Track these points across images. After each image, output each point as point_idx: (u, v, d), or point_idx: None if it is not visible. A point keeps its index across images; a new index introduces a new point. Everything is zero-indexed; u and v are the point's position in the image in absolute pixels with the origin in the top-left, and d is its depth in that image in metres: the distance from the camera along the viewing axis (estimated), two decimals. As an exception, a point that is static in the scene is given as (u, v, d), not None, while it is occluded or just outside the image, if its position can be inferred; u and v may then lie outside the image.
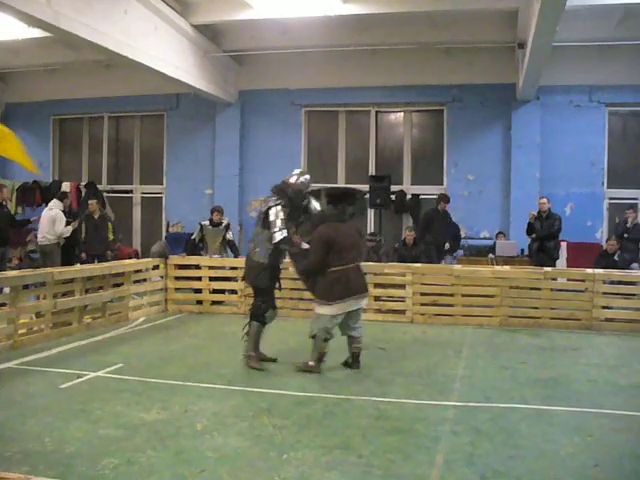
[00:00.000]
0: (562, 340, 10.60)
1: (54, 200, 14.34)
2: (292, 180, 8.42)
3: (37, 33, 13.64)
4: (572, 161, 16.12)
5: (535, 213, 13.91)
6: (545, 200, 13.87)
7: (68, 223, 13.99)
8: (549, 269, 12.09)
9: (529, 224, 13.95)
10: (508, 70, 16.00)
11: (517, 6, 13.36)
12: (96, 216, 14.19)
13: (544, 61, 13.13)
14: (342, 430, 5.99)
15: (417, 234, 14.58)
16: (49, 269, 11.05)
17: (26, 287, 10.16)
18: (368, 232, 16.39)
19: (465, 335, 10.94)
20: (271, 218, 8.20)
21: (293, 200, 8.35)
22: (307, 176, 8.55)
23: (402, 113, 17.83)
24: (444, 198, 14.79)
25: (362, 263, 8.68)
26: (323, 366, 8.32)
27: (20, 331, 9.70)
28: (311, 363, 8.31)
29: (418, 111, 17.80)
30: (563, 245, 14.74)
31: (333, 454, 5.40)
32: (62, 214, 13.96)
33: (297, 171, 8.65)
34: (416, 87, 16.95)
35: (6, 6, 10.13)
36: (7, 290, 9.90)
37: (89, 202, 14.61)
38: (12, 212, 16.15)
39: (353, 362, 8.50)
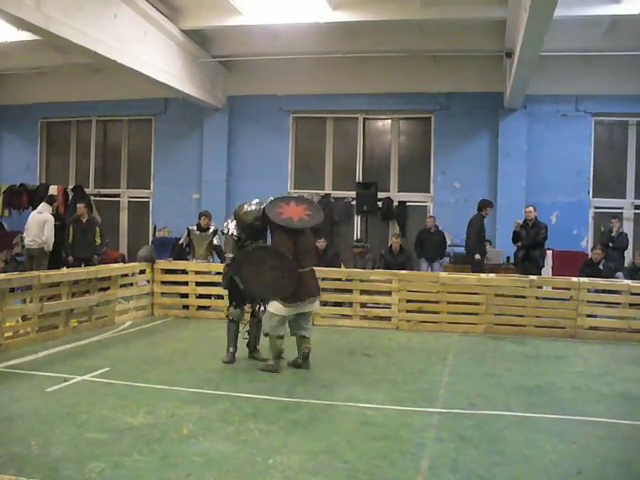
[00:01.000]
0: (547, 348, 10.65)
1: (43, 203, 14.32)
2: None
3: (26, 36, 13.63)
4: (558, 170, 16.22)
5: (520, 221, 13.97)
6: (531, 209, 13.94)
7: (56, 227, 13.97)
8: (534, 277, 12.15)
9: (515, 232, 14.02)
10: (496, 79, 16.10)
11: (505, 16, 13.43)
12: (84, 220, 14.15)
13: (532, 70, 13.21)
14: (328, 435, 6.02)
15: (472, 244, 14.09)
16: (35, 272, 11.04)
17: (12, 290, 10.14)
18: (354, 239, 16.42)
19: (450, 342, 10.98)
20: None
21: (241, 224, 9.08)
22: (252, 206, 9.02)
23: (390, 120, 17.89)
24: (489, 204, 14.42)
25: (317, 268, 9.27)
26: (307, 370, 8.43)
27: (6, 334, 9.68)
28: (270, 362, 8.71)
29: (406, 119, 17.86)
30: (549, 253, 14.81)
31: (319, 459, 5.42)
32: (52, 218, 13.95)
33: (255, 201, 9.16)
34: (404, 95, 17.00)
35: (-5, 9, 10.14)
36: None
37: (77, 206, 14.55)
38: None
39: (303, 361, 8.75)
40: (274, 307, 8.48)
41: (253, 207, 8.97)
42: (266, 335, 8.68)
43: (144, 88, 16.70)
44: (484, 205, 14.15)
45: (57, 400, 7.06)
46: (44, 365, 8.72)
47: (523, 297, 11.83)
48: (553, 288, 12.17)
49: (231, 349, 9.21)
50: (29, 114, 19.69)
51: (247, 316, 9.39)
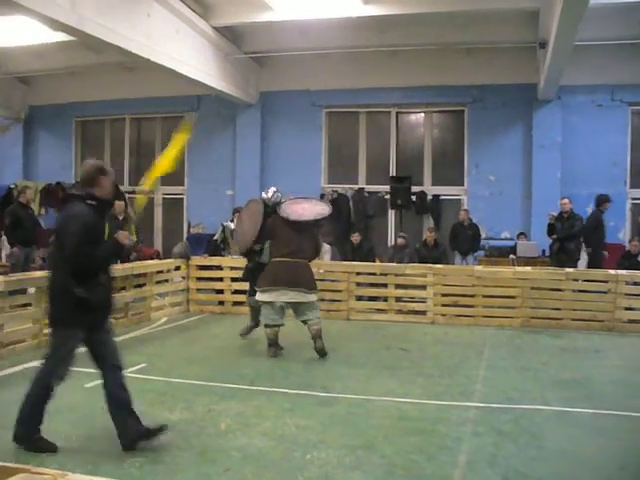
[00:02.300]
0: (584, 341, 10.57)
1: (79, 201, 14.43)
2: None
3: (60, 37, 13.76)
4: (594, 161, 15.99)
5: (555, 213, 13.85)
6: (567, 201, 13.80)
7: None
8: (571, 270, 12.05)
9: (549, 225, 13.90)
10: (529, 70, 15.92)
11: (538, 5, 13.30)
12: (120, 217, 14.27)
13: (566, 60, 13.06)
14: (365, 430, 6.02)
15: (589, 241, 13.82)
16: (73, 270, 11.13)
17: (50, 288, 10.24)
18: (398, 232, 16.27)
19: (486, 336, 10.93)
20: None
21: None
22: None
23: (423, 114, 17.81)
24: (607, 199, 13.81)
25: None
26: (304, 358, 9.05)
27: (45, 331, 9.78)
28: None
29: (439, 112, 17.76)
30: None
31: (356, 454, 5.43)
32: (88, 215, 14.05)
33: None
34: (436, 88, 16.90)
35: (31, 11, 10.22)
36: (32, 290, 10.02)
37: (116, 203, 14.61)
38: (36, 213, 16.30)
39: (315, 342, 9.05)
40: (257, 296, 9.33)
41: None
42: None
43: (177, 85, 16.78)
44: (602, 200, 13.75)
45: (96, 396, 7.09)
46: (82, 361, 8.74)
47: (559, 290, 11.73)
48: (590, 281, 12.03)
49: (251, 323, 10.43)
50: (64, 113, 19.89)
51: None
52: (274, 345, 9.20)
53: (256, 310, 10.02)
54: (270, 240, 9.47)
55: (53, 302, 5.48)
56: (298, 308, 9.14)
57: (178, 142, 6.26)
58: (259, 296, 9.21)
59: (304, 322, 9.16)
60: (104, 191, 5.58)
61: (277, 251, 9.20)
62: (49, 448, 5.37)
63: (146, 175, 6.30)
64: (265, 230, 9.48)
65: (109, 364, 5.64)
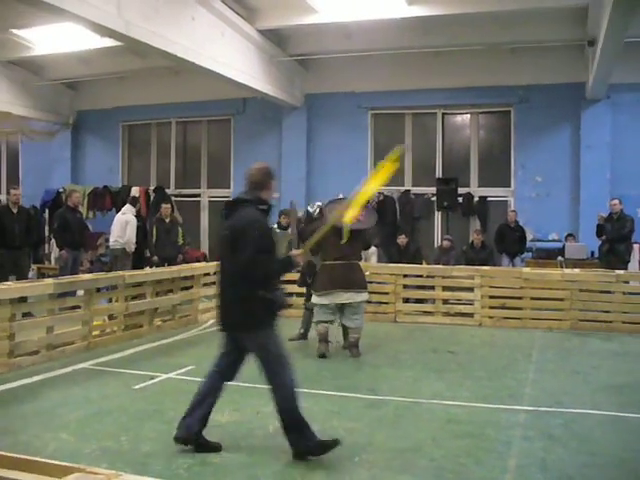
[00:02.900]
0: (636, 345, 10.39)
1: (127, 205, 14.66)
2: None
3: (106, 42, 13.95)
4: (645, 161, 15.73)
5: (604, 214, 13.66)
6: (617, 201, 13.61)
7: (138, 227, 14.25)
8: (621, 272, 11.87)
9: (599, 226, 13.71)
10: (577, 69, 15.70)
11: (586, 2, 13.11)
12: (167, 220, 14.40)
13: (616, 58, 12.83)
14: (413, 433, 5.99)
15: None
16: (120, 272, 11.29)
17: (98, 290, 10.39)
18: (444, 234, 16.17)
19: (534, 339, 10.81)
20: None
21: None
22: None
23: (468, 115, 17.69)
24: None
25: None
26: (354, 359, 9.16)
27: (94, 333, 9.93)
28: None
29: (485, 112, 17.62)
30: (635, 247, 14.40)
31: (404, 457, 5.40)
32: (135, 219, 14.23)
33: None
34: (482, 88, 16.76)
35: (78, 17, 10.36)
36: (81, 293, 10.16)
37: (163, 206, 14.79)
38: (84, 217, 16.55)
39: (350, 348, 9.33)
40: (313, 299, 9.51)
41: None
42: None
43: (222, 89, 16.88)
44: None
45: (144, 397, 7.21)
46: (130, 363, 8.92)
47: (609, 292, 11.56)
48: (641, 283, 11.85)
49: (302, 330, 10.46)
50: (111, 118, 20.13)
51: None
52: (324, 341, 9.31)
53: (309, 315, 10.15)
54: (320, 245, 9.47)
55: (241, 308, 5.33)
56: (345, 310, 9.24)
57: (385, 171, 6.04)
58: (315, 299, 9.35)
59: (344, 328, 9.42)
60: (270, 194, 5.62)
61: (328, 255, 9.27)
62: (334, 443, 5.32)
63: (348, 203, 6.11)
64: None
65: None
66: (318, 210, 10.25)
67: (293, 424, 5.32)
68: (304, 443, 5.30)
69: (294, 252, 5.65)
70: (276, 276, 5.53)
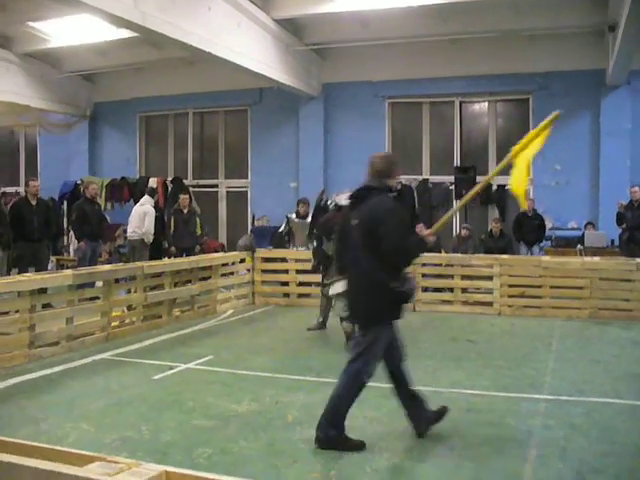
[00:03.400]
0: (656, 334, 10.32)
1: (145, 196, 14.69)
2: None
3: (122, 34, 13.99)
4: (666, 148, 15.57)
5: (624, 202, 13.56)
6: (637, 189, 13.51)
7: (156, 218, 14.28)
8: (642, 260, 11.77)
9: (619, 214, 13.61)
10: (596, 55, 15.53)
11: (607, -13, 13.00)
12: (185, 211, 14.43)
13: (637, 43, 12.70)
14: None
15: None
16: (139, 263, 11.32)
17: (117, 281, 10.43)
18: (463, 223, 16.09)
19: (554, 327, 10.75)
20: None
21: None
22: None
23: (486, 103, 17.59)
24: None
25: None
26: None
27: (113, 323, 9.97)
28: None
29: (503, 101, 17.52)
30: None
31: (424, 446, 5.39)
32: (153, 210, 14.25)
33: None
34: (500, 76, 16.65)
35: (95, 9, 10.43)
36: (100, 284, 10.20)
37: (181, 197, 14.83)
38: (102, 208, 16.63)
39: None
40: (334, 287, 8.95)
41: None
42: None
43: (239, 79, 16.90)
44: None
45: (163, 387, 7.23)
46: (149, 353, 8.95)
47: (629, 281, 11.47)
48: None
49: (320, 318, 10.38)
50: (128, 109, 20.19)
51: None
52: (351, 339, 8.99)
53: (328, 303, 10.02)
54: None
55: (369, 299, 5.35)
56: None
57: (542, 137, 6.00)
58: (333, 288, 9.01)
59: None
60: (395, 182, 5.64)
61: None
62: (358, 446, 5.34)
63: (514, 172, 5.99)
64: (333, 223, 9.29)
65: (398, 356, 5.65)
66: (333, 204, 9.95)
67: (336, 414, 5.37)
68: (334, 433, 5.34)
69: (425, 232, 5.59)
70: (413, 258, 5.55)
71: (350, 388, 5.39)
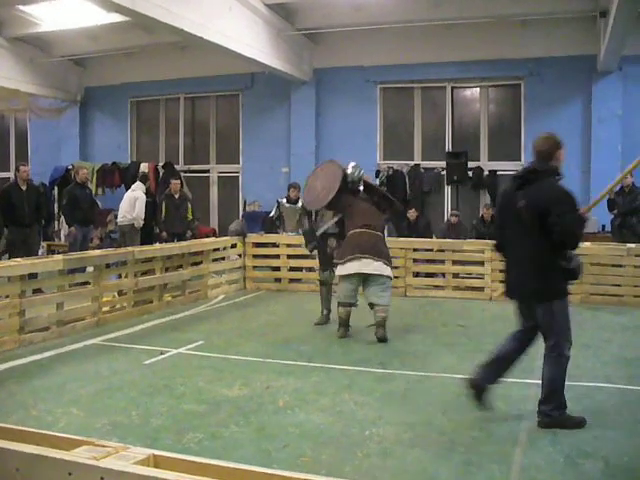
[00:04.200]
0: (646, 319, 10.34)
1: (137, 182, 14.65)
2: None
3: (113, 18, 13.87)
4: (657, 134, 15.57)
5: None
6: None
7: (147, 203, 14.24)
8: (633, 245, 11.77)
9: (609, 199, 13.62)
10: (588, 41, 15.48)
11: (599, -27, 12.97)
12: (176, 196, 14.39)
13: (628, 29, 12.67)
14: (423, 407, 6.00)
15: None
16: (130, 248, 11.30)
17: (108, 266, 10.41)
18: (452, 210, 16.11)
19: (545, 312, 10.74)
20: None
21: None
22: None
23: (478, 88, 17.54)
24: None
25: None
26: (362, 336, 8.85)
27: (104, 309, 9.96)
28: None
29: (494, 86, 17.47)
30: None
31: (415, 431, 5.39)
32: (144, 196, 14.21)
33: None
34: (492, 61, 16.59)
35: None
36: (91, 269, 10.18)
37: (172, 182, 14.78)
38: (94, 193, 16.57)
39: (377, 329, 8.69)
40: (337, 271, 9.05)
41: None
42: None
43: (230, 64, 16.83)
44: None
45: (154, 372, 7.23)
46: (140, 338, 8.94)
47: (620, 266, 11.49)
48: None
49: (325, 311, 9.94)
50: (119, 94, 20.04)
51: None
52: (344, 325, 8.93)
53: (328, 291, 9.95)
54: (344, 213, 9.27)
55: (541, 278, 5.52)
56: (371, 286, 8.77)
57: None
58: (339, 270, 8.89)
59: (371, 306, 8.79)
60: (560, 164, 5.67)
61: (353, 224, 8.92)
62: (581, 423, 5.51)
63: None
64: (340, 202, 9.26)
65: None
66: (359, 172, 9.41)
67: (552, 395, 5.50)
68: (557, 414, 5.47)
69: (581, 209, 5.65)
70: (582, 235, 5.66)
71: (560, 366, 5.61)
